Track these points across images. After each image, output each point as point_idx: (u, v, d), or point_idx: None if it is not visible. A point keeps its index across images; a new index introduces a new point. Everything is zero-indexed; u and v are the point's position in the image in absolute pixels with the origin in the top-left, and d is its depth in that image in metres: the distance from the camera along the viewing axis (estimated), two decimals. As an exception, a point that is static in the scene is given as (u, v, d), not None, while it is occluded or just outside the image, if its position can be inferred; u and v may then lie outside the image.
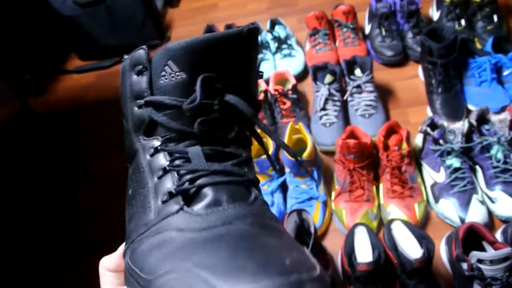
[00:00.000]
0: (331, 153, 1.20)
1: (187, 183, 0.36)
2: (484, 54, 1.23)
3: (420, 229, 0.92)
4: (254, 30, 0.37)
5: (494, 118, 1.06)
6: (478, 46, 1.33)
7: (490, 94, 1.19)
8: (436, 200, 1.03)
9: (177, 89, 0.36)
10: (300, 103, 1.30)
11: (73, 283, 1.14)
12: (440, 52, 1.17)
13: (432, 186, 1.05)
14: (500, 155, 1.01)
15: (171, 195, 0.35)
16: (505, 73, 1.21)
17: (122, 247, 0.39)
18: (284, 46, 1.51)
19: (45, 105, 1.75)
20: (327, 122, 1.22)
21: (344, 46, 1.46)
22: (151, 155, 0.38)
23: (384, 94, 1.33)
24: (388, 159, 1.05)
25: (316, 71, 1.31)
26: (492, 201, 1.00)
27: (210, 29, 1.68)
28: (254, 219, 0.34)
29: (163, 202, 0.35)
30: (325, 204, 1.08)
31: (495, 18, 1.36)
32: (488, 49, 1.24)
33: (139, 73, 0.38)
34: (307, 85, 1.44)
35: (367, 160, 1.05)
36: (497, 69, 1.22)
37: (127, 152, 0.41)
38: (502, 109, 1.13)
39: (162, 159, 0.37)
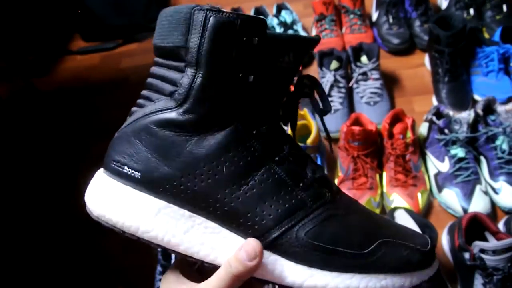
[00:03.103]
0: (335, 140, 1.19)
1: (313, 173, 0.42)
2: (492, 44, 1.21)
3: (423, 218, 0.92)
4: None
5: (500, 108, 1.05)
6: (486, 35, 1.31)
7: (497, 85, 1.18)
8: (440, 189, 1.02)
9: (281, 74, 0.40)
10: (305, 89, 1.29)
11: (78, 263, 1.14)
12: (448, 41, 1.15)
13: (436, 175, 1.04)
14: (505, 146, 1.00)
15: (310, 183, 0.41)
16: (513, 63, 1.20)
17: (256, 261, 0.37)
18: (290, 31, 1.50)
19: (49, 85, 1.74)
20: (332, 108, 1.21)
21: (351, 33, 1.45)
22: (256, 137, 0.40)
23: (390, 82, 1.32)
24: (392, 147, 1.05)
25: (322, 57, 1.30)
26: (496, 192, 0.99)
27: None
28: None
29: (303, 189, 0.41)
30: (327, 191, 1.08)
31: (504, 8, 1.34)
32: (496, 39, 1.23)
33: (250, 44, 0.37)
34: (313, 71, 1.43)
35: (371, 148, 1.05)
36: (505, 60, 1.20)
37: (199, 118, 0.38)
38: (509, 100, 1.12)
39: (272, 143, 0.40)
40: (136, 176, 0.39)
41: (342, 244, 0.40)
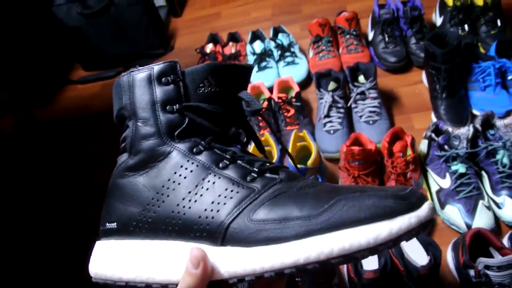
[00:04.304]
0: (335, 160, 1.19)
1: (262, 166, 0.43)
2: (488, 59, 1.22)
3: (426, 236, 0.91)
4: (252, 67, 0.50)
5: (499, 122, 1.06)
6: (482, 50, 1.32)
7: (495, 99, 1.18)
8: (442, 206, 1.02)
9: (211, 99, 0.45)
10: (304, 110, 1.30)
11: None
12: (444, 58, 1.16)
13: (438, 192, 1.04)
14: (506, 160, 1.00)
15: (258, 174, 0.42)
16: (510, 77, 1.21)
17: (201, 267, 0.38)
18: (288, 53, 1.52)
19: (51, 115, 1.76)
20: (331, 129, 1.22)
21: (347, 53, 1.46)
22: (197, 153, 0.44)
23: (388, 100, 1.33)
24: (393, 165, 1.05)
25: (319, 78, 1.31)
26: (499, 207, 0.99)
27: (213, 37, 1.69)
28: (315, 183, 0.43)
29: (251, 180, 0.42)
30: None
31: (499, 22, 1.35)
32: (492, 54, 1.24)
33: (168, 83, 0.44)
34: (311, 93, 1.44)
35: (372, 167, 1.05)
36: (502, 74, 1.21)
37: (144, 156, 0.45)
38: (507, 114, 1.12)
39: (215, 155, 0.44)
40: (113, 227, 0.45)
41: (293, 211, 0.37)
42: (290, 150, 1.12)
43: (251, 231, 0.38)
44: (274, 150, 1.14)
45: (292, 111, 1.28)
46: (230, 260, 0.39)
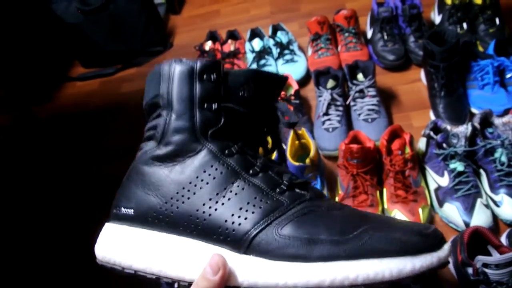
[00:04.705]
0: (334, 158, 1.19)
1: (291, 180, 0.43)
2: (487, 57, 1.22)
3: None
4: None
5: (497, 121, 1.06)
6: (480, 49, 1.33)
7: (493, 97, 1.19)
8: (440, 204, 1.02)
9: (248, 104, 0.45)
10: (302, 108, 1.30)
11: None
12: (442, 56, 1.16)
13: (436, 190, 1.04)
14: (504, 158, 1.00)
15: (287, 188, 0.42)
16: (508, 75, 1.21)
17: (220, 274, 0.38)
18: (286, 51, 1.52)
19: (50, 112, 1.75)
20: (330, 127, 1.22)
21: (346, 51, 1.46)
22: (228, 155, 0.44)
23: (387, 99, 1.33)
24: (391, 163, 1.05)
25: (318, 76, 1.31)
26: (497, 205, 0.99)
27: (212, 35, 1.69)
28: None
29: (280, 192, 0.42)
30: (329, 209, 1.07)
31: (497, 20, 1.36)
32: (491, 52, 1.24)
33: (210, 80, 0.44)
34: (310, 90, 1.44)
35: (370, 165, 1.05)
36: (500, 72, 1.21)
37: (174, 148, 0.44)
38: (506, 112, 1.12)
39: (246, 160, 0.44)
40: (130, 213, 0.44)
41: (322, 232, 0.38)
42: (289, 148, 1.12)
43: (278, 245, 0.38)
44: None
45: (291, 109, 1.27)
46: (253, 270, 0.39)
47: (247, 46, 1.59)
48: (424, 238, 0.37)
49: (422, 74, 1.34)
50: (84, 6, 1.74)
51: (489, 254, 0.88)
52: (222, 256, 0.39)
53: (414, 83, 1.37)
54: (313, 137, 1.20)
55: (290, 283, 0.37)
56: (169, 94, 0.44)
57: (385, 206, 1.05)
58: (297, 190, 0.42)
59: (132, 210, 0.44)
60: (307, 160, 1.04)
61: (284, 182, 0.43)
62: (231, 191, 0.42)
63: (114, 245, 0.44)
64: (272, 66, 1.51)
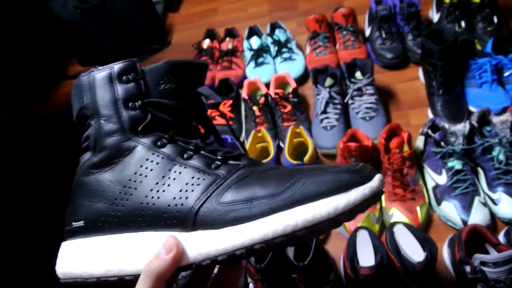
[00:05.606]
0: (332, 157, 1.19)
1: (225, 154, 0.45)
2: (485, 56, 1.22)
3: (422, 232, 0.91)
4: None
5: (495, 119, 1.06)
6: (478, 47, 1.33)
7: (491, 96, 1.19)
8: (438, 202, 1.02)
9: (171, 95, 0.47)
10: (300, 106, 1.30)
11: None
12: (441, 54, 1.16)
13: (434, 188, 1.05)
14: (501, 157, 1.00)
15: (222, 162, 0.44)
16: (506, 74, 1.21)
17: (173, 252, 0.40)
18: (285, 49, 1.51)
19: (47, 110, 1.75)
20: (328, 125, 1.22)
21: (344, 49, 1.46)
22: (161, 146, 0.45)
23: (385, 97, 1.33)
24: (389, 162, 1.05)
25: (316, 74, 1.31)
26: (495, 203, 0.99)
27: (210, 33, 1.68)
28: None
29: (216, 167, 0.43)
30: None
31: (495, 19, 1.36)
32: (489, 50, 1.24)
33: (129, 81, 0.46)
34: (308, 89, 1.44)
35: (368, 163, 1.05)
36: (498, 70, 1.22)
37: (109, 152, 0.46)
38: (503, 110, 1.12)
39: (178, 147, 0.45)
40: (81, 225, 0.46)
41: (258, 191, 0.39)
42: (287, 146, 1.12)
43: (220, 213, 0.40)
44: (271, 146, 1.14)
45: (289, 107, 1.27)
46: (203, 243, 0.40)
47: (245, 44, 1.59)
48: (354, 173, 0.38)
49: (420, 72, 1.34)
50: (81, 3, 1.73)
51: (487, 252, 0.88)
52: (175, 237, 0.41)
53: (412, 81, 1.37)
54: (311, 135, 1.20)
55: (237, 245, 0.39)
56: (94, 102, 0.46)
57: (383, 204, 1.05)
58: (231, 162, 0.44)
59: (82, 222, 0.46)
60: (305, 159, 1.04)
61: (218, 157, 0.44)
62: (169, 178, 0.43)
63: (72, 260, 0.45)
64: (270, 64, 1.51)
